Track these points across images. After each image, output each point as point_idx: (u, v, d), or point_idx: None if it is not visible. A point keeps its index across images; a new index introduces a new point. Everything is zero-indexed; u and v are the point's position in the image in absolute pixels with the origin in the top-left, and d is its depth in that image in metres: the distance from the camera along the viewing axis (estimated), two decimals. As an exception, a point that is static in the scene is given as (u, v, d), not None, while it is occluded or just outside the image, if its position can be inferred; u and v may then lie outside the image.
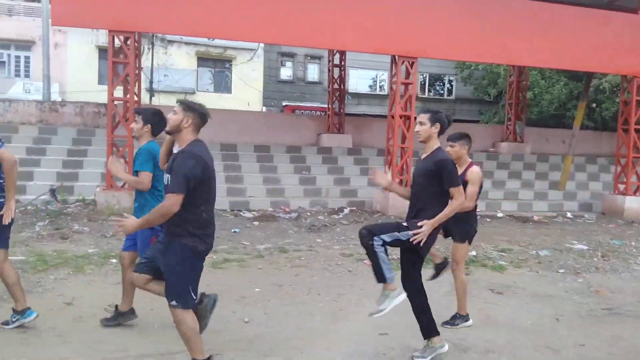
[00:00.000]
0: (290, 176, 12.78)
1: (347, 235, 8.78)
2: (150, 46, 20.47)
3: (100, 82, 20.28)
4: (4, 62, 20.81)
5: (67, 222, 8.84)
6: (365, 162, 14.04)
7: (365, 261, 6.99)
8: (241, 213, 10.78)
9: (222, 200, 11.23)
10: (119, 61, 10.23)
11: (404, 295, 3.71)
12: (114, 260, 6.28)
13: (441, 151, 3.75)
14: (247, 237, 8.41)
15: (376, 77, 24.89)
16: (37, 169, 10.98)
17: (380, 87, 24.98)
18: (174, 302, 3.22)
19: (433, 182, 3.66)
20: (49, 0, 14.73)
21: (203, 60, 23.01)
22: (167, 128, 3.32)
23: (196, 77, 22.82)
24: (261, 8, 10.41)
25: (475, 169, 4.48)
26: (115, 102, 10.31)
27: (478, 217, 4.69)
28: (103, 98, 10.45)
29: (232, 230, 8.97)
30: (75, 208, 9.88)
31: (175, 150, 3.39)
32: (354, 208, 11.69)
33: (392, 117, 11.48)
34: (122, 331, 4.09)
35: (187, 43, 21.76)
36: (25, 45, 20.84)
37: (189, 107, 3.27)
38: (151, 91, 20.12)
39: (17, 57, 21.10)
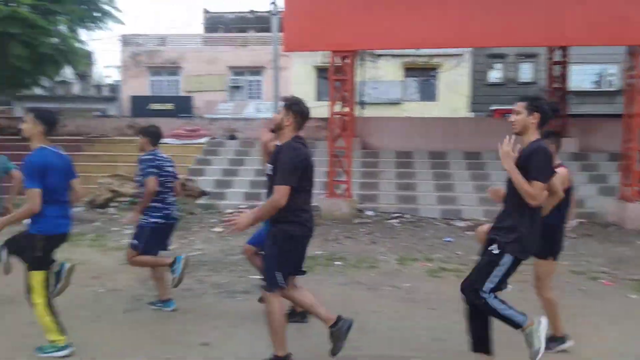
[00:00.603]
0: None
1: (577, 250, 7.94)
2: (362, 61, 21.62)
3: (318, 98, 22.19)
4: (240, 86, 24.33)
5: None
6: (594, 169, 12.57)
7: (602, 280, 6.28)
8: (452, 222, 10.62)
9: (432, 209, 11.25)
10: (338, 78, 11.07)
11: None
12: (338, 263, 6.81)
13: (539, 142, 3.23)
14: (460, 247, 8.25)
15: (603, 71, 22.01)
16: (269, 179, 12.51)
17: (608, 82, 22.01)
18: (263, 283, 3.41)
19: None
20: (278, 29, 16.76)
21: (409, 70, 23.46)
22: (271, 126, 3.57)
23: (402, 88, 23.34)
24: (471, 12, 10.11)
25: (561, 170, 3.97)
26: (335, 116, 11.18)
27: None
28: (321, 113, 11.44)
29: (445, 239, 8.91)
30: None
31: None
32: (583, 220, 10.51)
33: (630, 116, 10.02)
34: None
35: (394, 55, 22.47)
36: (257, 70, 24.04)
37: (290, 107, 3.49)
38: (362, 104, 21.22)
39: (251, 81, 24.46)
